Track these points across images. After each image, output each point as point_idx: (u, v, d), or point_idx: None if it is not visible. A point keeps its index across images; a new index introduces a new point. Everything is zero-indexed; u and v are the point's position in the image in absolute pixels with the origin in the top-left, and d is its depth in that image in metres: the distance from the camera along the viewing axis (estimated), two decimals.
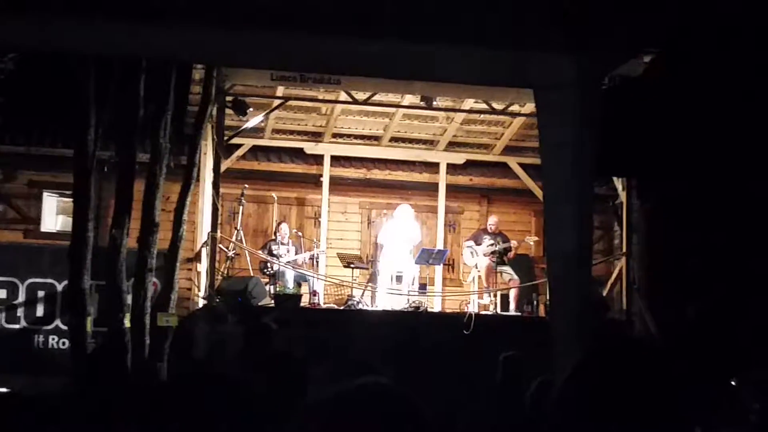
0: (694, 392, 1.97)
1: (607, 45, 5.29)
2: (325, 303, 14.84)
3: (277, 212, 15.92)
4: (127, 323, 11.30)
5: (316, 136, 16.50)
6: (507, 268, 15.02)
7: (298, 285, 14.32)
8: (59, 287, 14.21)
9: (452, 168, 16.98)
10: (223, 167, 14.22)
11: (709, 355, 12.08)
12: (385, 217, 16.68)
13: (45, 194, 16.04)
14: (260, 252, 14.84)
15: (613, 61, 6.15)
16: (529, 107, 13.99)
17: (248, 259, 14.72)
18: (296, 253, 14.79)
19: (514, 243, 15.18)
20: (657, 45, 11.04)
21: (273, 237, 14.91)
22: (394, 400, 1.99)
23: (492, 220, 15.46)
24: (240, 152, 15.64)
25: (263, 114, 15.06)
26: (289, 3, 4.75)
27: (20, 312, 14.48)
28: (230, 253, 14.31)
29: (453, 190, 17.01)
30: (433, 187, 16.82)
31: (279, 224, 15.06)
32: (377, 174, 17.06)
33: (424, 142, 16.93)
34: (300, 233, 15.44)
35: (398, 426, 1.94)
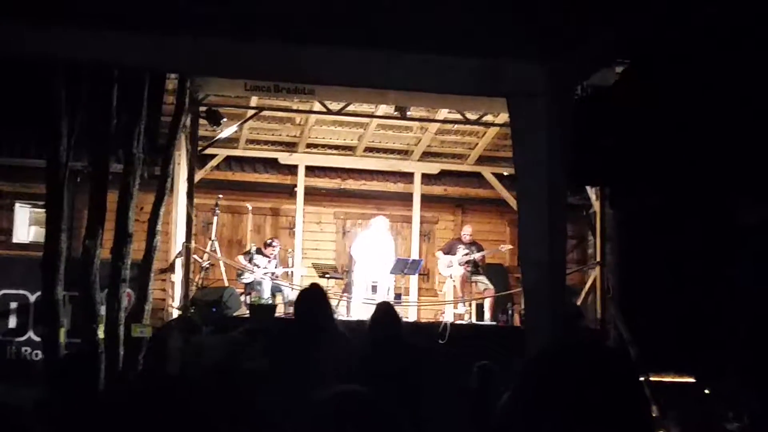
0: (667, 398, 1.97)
1: (579, 55, 5.31)
2: None
3: (251, 222, 15.90)
4: (100, 334, 11.22)
5: (290, 147, 16.49)
6: (482, 278, 15.05)
7: (273, 295, 14.31)
8: (32, 298, 14.11)
9: (427, 178, 17.01)
10: (197, 177, 14.18)
11: (682, 362, 12.15)
12: (359, 227, 16.68)
13: (17, 205, 15.94)
14: (240, 258, 14.84)
15: (585, 70, 6.19)
16: (503, 117, 14.04)
17: (223, 269, 14.69)
18: (276, 267, 14.82)
19: (487, 252, 15.23)
20: (629, 55, 11.10)
21: (261, 248, 14.90)
22: (370, 407, 2.00)
23: (466, 230, 15.50)
24: (214, 162, 15.61)
25: (237, 124, 15.05)
26: (262, 11, 4.75)
27: None
28: (205, 264, 14.27)
29: (427, 200, 17.03)
30: (407, 197, 16.84)
31: (273, 240, 15.08)
32: (352, 184, 17.07)
33: (399, 152, 16.95)
34: (291, 251, 15.48)
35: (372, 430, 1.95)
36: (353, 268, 15.25)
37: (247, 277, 14.47)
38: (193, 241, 13.79)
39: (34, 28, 4.73)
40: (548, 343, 4.76)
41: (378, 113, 15.42)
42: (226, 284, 14.29)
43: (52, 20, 4.67)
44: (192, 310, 13.05)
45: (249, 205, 15.92)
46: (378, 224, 15.27)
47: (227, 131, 14.87)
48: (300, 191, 16.30)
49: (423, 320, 15.37)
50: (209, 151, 15.17)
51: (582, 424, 1.87)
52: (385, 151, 16.93)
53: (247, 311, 13.46)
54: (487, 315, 14.84)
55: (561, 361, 1.99)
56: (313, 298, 6.89)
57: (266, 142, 16.54)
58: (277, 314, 13.72)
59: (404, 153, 16.94)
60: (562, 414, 1.88)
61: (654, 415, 10.68)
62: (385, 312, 7.59)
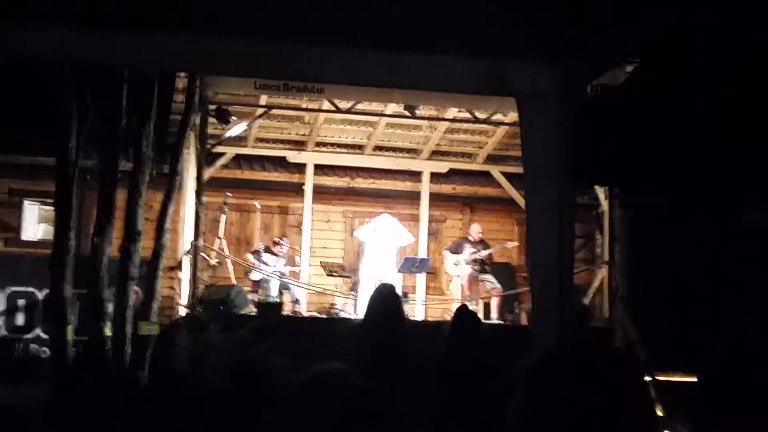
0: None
1: (588, 54, 5.30)
2: (307, 311, 14.84)
3: (259, 221, 15.91)
4: (108, 332, 11.23)
5: (299, 145, 16.51)
6: (489, 277, 15.03)
7: (281, 293, 14.32)
8: (40, 296, 14.13)
9: (435, 177, 17.01)
10: (206, 176, 14.20)
11: (690, 362, 12.11)
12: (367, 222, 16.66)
13: (26, 202, 15.96)
14: (250, 256, 14.85)
15: (595, 69, 6.17)
16: (512, 116, 14.02)
17: (230, 267, 14.70)
18: (284, 266, 14.84)
19: (496, 248, 15.22)
20: (639, 54, 11.08)
21: (270, 246, 14.93)
22: (349, 384, 2.02)
23: (475, 229, 15.49)
24: (223, 161, 15.64)
25: (246, 123, 15.06)
26: (271, 12, 4.75)
27: (0, 320, 14.39)
28: (212, 262, 14.29)
29: (436, 199, 17.04)
30: (416, 196, 16.84)
31: (281, 238, 15.13)
32: (360, 183, 17.07)
33: (408, 150, 16.96)
34: (298, 249, 15.52)
35: (353, 405, 1.97)
36: (360, 266, 15.26)
37: (255, 275, 14.48)
38: (201, 239, 13.80)
39: (42, 29, 4.73)
40: (553, 344, 4.75)
41: (387, 112, 15.43)
42: (234, 282, 14.30)
43: (59, 21, 4.67)
44: (200, 308, 13.07)
45: (257, 204, 15.93)
46: (382, 223, 15.30)
47: (236, 130, 14.89)
48: (308, 190, 16.32)
49: (430, 319, 15.36)
50: (218, 149, 15.19)
51: (587, 426, 1.87)
52: (394, 149, 16.93)
53: (255, 309, 13.47)
54: (495, 314, 14.83)
55: (566, 362, 1.99)
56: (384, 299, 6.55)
57: (275, 141, 16.56)
58: (284, 312, 13.73)
59: (413, 152, 16.94)
60: (567, 416, 1.88)
61: (660, 415, 10.66)
62: (467, 319, 7.28)
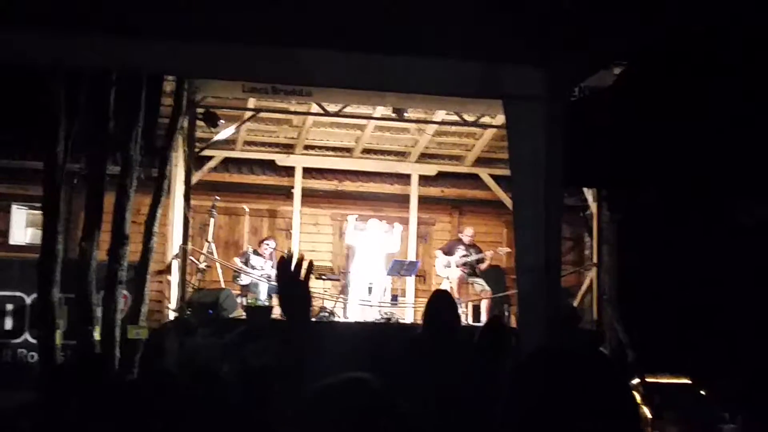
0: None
1: (576, 57, 5.31)
2: None
3: (248, 224, 15.89)
4: (97, 336, 11.20)
5: (287, 148, 16.49)
6: (479, 280, 15.03)
7: (270, 297, 14.30)
8: (28, 300, 14.08)
9: (424, 179, 17.02)
10: (194, 179, 14.18)
11: (679, 363, 12.15)
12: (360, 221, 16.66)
13: (14, 206, 15.92)
14: (237, 259, 14.82)
15: (582, 72, 6.19)
16: (500, 119, 14.03)
17: (219, 271, 14.68)
18: (272, 268, 14.82)
19: (489, 253, 15.19)
20: (626, 57, 11.12)
21: (256, 248, 14.91)
22: (374, 394, 2.01)
23: (469, 232, 15.46)
24: (211, 164, 15.61)
25: (234, 126, 15.04)
26: (260, 15, 4.75)
27: None
28: (201, 266, 14.26)
29: (425, 202, 17.04)
30: (404, 199, 16.84)
31: (267, 239, 15.11)
32: (349, 186, 17.07)
33: (396, 153, 16.96)
34: (287, 253, 15.51)
35: (378, 419, 1.97)
36: (350, 269, 15.25)
37: (244, 279, 14.46)
38: (189, 243, 13.78)
39: (32, 34, 4.72)
40: (535, 348, 4.75)
41: (375, 115, 15.42)
42: (223, 286, 14.27)
43: (52, 27, 4.67)
44: (188, 312, 13.05)
45: (246, 207, 15.91)
46: (372, 225, 15.31)
47: (224, 133, 14.87)
48: (297, 193, 16.31)
49: (420, 322, 15.33)
50: (206, 152, 15.17)
51: (571, 428, 1.87)
52: (383, 152, 16.93)
53: (244, 313, 13.45)
54: (484, 317, 14.82)
55: (549, 365, 2.00)
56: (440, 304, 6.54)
57: (263, 144, 16.55)
58: (273, 316, 13.71)
59: (401, 154, 16.94)
60: (552, 417, 1.89)
61: (649, 416, 10.68)
62: (494, 330, 7.30)
